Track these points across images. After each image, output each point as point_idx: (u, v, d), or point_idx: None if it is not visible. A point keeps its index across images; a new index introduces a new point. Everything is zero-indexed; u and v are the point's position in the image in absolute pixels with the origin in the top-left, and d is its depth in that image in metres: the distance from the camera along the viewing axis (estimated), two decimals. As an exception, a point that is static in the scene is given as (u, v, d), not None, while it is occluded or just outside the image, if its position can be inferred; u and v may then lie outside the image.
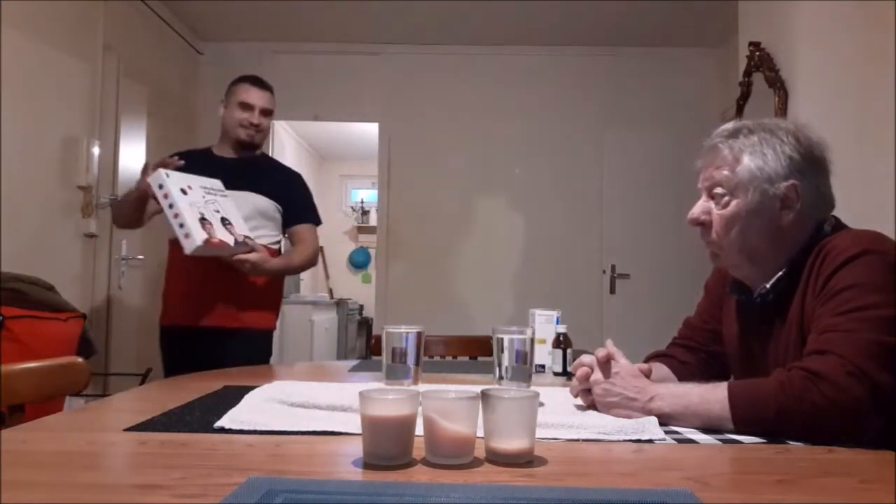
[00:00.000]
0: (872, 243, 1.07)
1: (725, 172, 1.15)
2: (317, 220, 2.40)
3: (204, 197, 1.96)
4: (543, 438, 0.90)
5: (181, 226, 1.85)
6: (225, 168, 2.20)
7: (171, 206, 1.86)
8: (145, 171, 1.99)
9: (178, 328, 2.19)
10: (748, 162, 1.14)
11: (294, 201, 2.35)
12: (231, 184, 2.15)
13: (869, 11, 2.58)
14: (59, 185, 3.12)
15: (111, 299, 3.48)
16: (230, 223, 2.00)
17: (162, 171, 1.91)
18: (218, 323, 2.16)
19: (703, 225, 1.20)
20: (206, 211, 1.93)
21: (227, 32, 4.63)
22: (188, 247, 1.84)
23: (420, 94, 4.91)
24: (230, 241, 1.95)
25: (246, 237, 2.03)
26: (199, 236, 1.83)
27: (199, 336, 2.14)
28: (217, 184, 2.10)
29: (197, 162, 2.14)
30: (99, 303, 3.39)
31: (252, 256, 2.03)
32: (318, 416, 1.02)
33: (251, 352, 2.14)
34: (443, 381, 1.45)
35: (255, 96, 2.27)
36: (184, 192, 1.90)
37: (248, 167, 2.29)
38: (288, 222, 2.34)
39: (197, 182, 2.01)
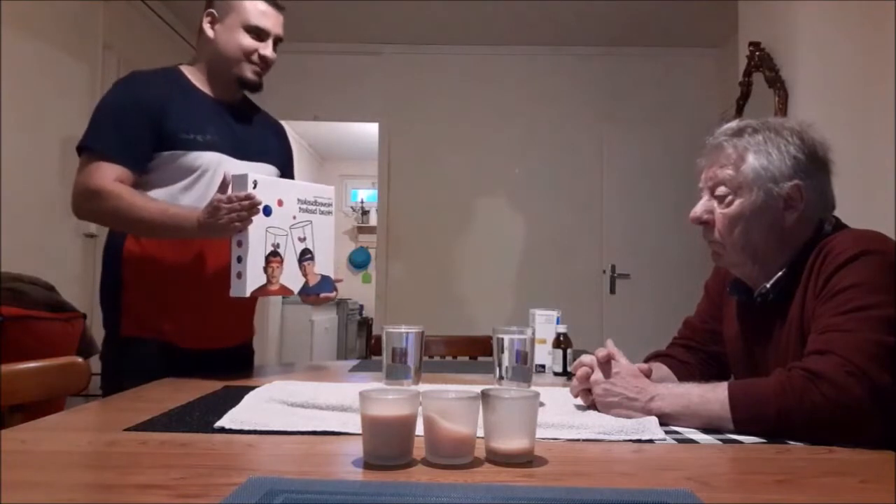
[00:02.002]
0: (872, 243, 1.07)
1: (729, 171, 1.15)
2: None
3: (294, 217, 1.47)
4: (543, 438, 0.90)
5: (238, 260, 1.38)
6: (227, 121, 1.62)
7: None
8: (224, 186, 1.39)
9: (187, 351, 1.57)
10: (753, 161, 1.14)
11: (289, 165, 1.81)
12: (236, 148, 1.60)
13: (869, 12, 2.59)
14: (59, 185, 3.12)
15: (111, 299, 3.48)
16: (311, 257, 1.52)
17: (250, 175, 1.37)
18: (231, 343, 1.69)
19: (706, 224, 1.20)
20: (285, 240, 1.45)
21: (227, 32, 4.63)
22: (232, 290, 1.39)
23: (420, 94, 4.91)
24: (296, 286, 1.49)
25: (324, 276, 1.57)
26: (250, 286, 1.37)
27: (210, 358, 1.59)
28: (323, 192, 1.57)
29: (184, 106, 1.55)
30: (99, 303, 3.39)
31: (331, 296, 1.61)
32: (318, 416, 1.02)
33: (248, 364, 1.77)
34: (443, 381, 1.45)
35: (271, 19, 1.59)
36: (267, 210, 1.40)
37: (251, 123, 1.70)
38: None
39: (294, 191, 1.49)
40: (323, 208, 1.56)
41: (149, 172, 1.52)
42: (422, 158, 4.90)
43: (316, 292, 1.55)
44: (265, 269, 1.41)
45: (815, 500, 0.71)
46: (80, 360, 1.37)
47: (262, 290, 1.41)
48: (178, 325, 1.56)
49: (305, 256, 1.51)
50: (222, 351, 1.64)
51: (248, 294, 1.38)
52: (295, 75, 4.75)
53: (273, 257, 1.42)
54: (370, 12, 4.35)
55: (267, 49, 1.60)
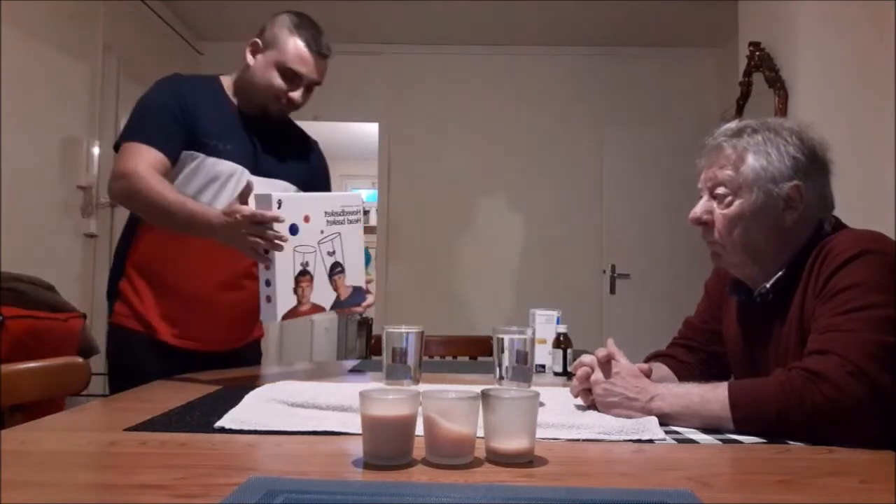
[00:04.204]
0: (872, 243, 1.07)
1: (729, 172, 1.15)
2: None
3: (322, 231, 1.41)
4: (543, 438, 0.90)
5: (267, 283, 1.32)
6: (252, 137, 1.62)
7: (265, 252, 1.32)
8: (245, 195, 1.33)
9: (194, 352, 1.60)
10: (752, 162, 1.14)
11: (319, 186, 1.79)
12: (256, 163, 1.61)
13: (869, 11, 2.58)
14: (59, 185, 3.12)
15: (111, 299, 3.48)
16: (342, 270, 1.46)
17: (275, 195, 1.30)
18: (235, 345, 1.70)
19: (706, 224, 1.20)
20: (314, 257, 1.39)
21: (227, 32, 4.63)
22: (263, 315, 1.35)
23: (420, 94, 4.91)
24: (328, 302, 1.42)
25: (356, 287, 1.50)
26: (280, 309, 1.32)
27: (213, 359, 1.61)
28: (351, 201, 1.50)
29: (213, 113, 1.58)
30: (99, 303, 3.39)
31: (368, 304, 1.56)
32: (318, 416, 1.02)
33: (255, 362, 1.80)
34: (443, 381, 1.45)
35: (308, 65, 1.58)
36: (294, 229, 1.33)
37: (278, 141, 1.69)
38: None
39: (320, 205, 1.42)
40: (351, 217, 1.49)
41: (173, 173, 1.55)
42: (422, 158, 4.90)
43: (349, 305, 1.49)
44: (295, 290, 1.35)
45: (815, 500, 0.71)
46: (80, 360, 1.37)
47: (293, 313, 1.35)
48: (176, 326, 1.57)
49: (336, 270, 1.45)
50: (226, 352, 1.65)
51: (279, 319, 1.32)
52: (295, 75, 4.75)
53: (302, 276, 1.36)
54: (370, 12, 4.36)
55: (296, 93, 1.59)
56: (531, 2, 4.16)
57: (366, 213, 7.59)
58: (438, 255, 4.84)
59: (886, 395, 0.93)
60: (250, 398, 1.15)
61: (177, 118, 1.52)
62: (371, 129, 5.20)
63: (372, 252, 6.77)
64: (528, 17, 4.39)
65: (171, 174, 1.54)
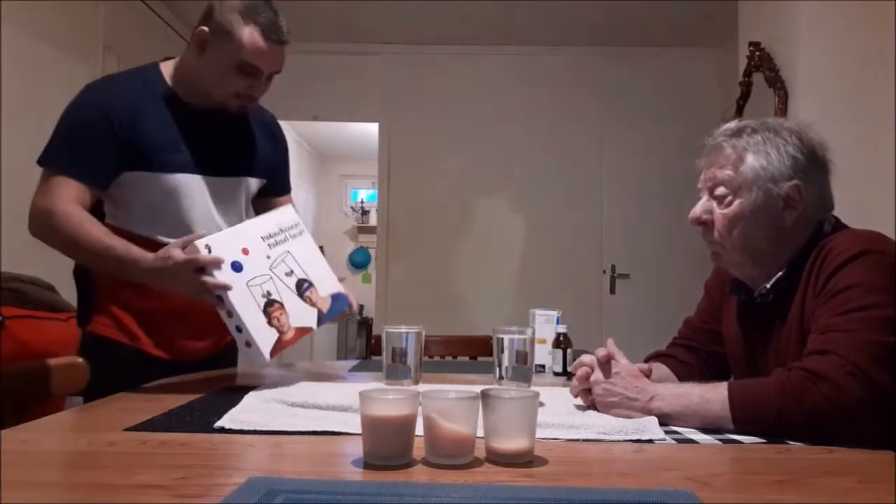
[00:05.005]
0: (872, 243, 1.07)
1: (728, 172, 1.15)
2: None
3: (269, 256, 1.33)
4: (543, 438, 0.90)
5: (238, 330, 1.25)
6: (203, 133, 1.47)
7: (218, 297, 1.23)
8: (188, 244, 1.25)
9: (175, 362, 1.52)
10: (752, 161, 1.14)
11: (282, 169, 1.69)
12: (211, 164, 1.48)
13: (869, 11, 2.58)
14: (59, 185, 3.13)
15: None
16: (311, 285, 1.38)
17: (199, 243, 1.22)
18: (216, 348, 1.61)
19: (705, 224, 1.20)
20: (273, 285, 1.31)
21: (227, 32, 4.63)
22: (250, 359, 1.27)
23: (420, 94, 4.91)
24: (312, 321, 1.35)
25: (333, 295, 1.42)
26: (265, 346, 1.24)
27: (191, 366, 1.54)
28: (285, 218, 1.42)
29: (156, 120, 1.42)
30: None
31: (353, 310, 1.49)
32: (318, 416, 1.02)
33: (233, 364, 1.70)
34: (443, 381, 1.45)
35: (268, 58, 1.42)
36: (237, 266, 1.26)
37: (234, 131, 1.55)
38: (269, 193, 1.65)
39: (254, 233, 1.34)
40: (292, 232, 1.42)
41: (118, 191, 1.44)
42: (422, 158, 4.90)
43: (336, 313, 1.43)
44: (270, 323, 1.27)
45: (815, 500, 0.71)
46: (80, 360, 1.37)
47: (280, 345, 1.27)
48: (153, 336, 1.49)
49: (304, 287, 1.37)
50: (203, 359, 1.57)
51: (269, 359, 1.24)
52: (295, 75, 4.73)
53: (271, 307, 1.28)
54: (370, 12, 4.35)
55: (256, 89, 1.45)
56: (531, 2, 4.16)
57: (366, 213, 7.70)
58: (438, 255, 4.84)
59: (886, 395, 0.93)
60: (250, 398, 1.15)
61: (107, 140, 1.38)
62: (371, 129, 5.20)
63: (372, 252, 6.78)
64: (528, 17, 4.39)
65: (118, 196, 1.44)
